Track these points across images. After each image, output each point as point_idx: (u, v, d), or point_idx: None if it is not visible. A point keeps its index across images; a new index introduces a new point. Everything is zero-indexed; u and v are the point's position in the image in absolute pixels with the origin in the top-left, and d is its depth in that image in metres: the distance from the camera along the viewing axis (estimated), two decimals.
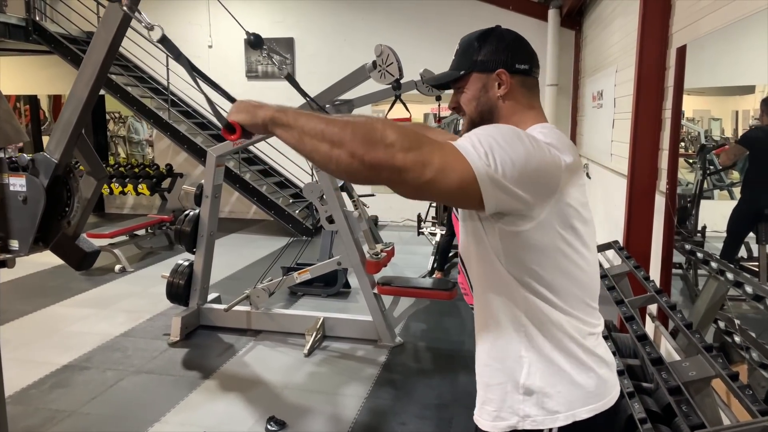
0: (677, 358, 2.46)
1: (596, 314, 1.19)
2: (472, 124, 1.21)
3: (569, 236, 1.09)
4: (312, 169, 4.24)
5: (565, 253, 1.10)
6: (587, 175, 6.53)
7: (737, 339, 2.49)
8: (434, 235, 6.47)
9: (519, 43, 1.22)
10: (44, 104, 10.98)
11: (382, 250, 4.09)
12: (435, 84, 1.29)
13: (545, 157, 1.04)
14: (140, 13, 1.56)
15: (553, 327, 1.11)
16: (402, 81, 3.55)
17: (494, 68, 1.19)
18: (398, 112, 3.72)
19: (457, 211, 1.24)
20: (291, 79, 2.99)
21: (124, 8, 1.57)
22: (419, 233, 6.73)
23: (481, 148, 0.98)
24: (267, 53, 3.27)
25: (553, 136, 1.12)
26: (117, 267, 5.80)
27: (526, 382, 1.12)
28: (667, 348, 3.06)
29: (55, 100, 11.18)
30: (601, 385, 1.15)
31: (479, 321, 1.21)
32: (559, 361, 1.12)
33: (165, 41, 1.51)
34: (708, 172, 3.40)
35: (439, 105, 5.36)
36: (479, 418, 1.20)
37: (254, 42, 3.27)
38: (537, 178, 1.02)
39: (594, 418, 1.12)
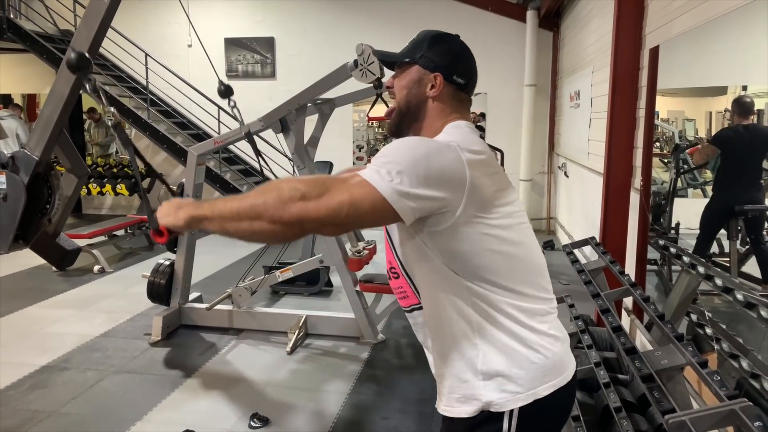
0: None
1: (545, 288, 1.24)
2: (399, 113, 1.30)
3: (493, 218, 1.14)
4: (293, 168, 4.25)
5: (494, 234, 1.14)
6: (565, 173, 6.63)
7: (708, 331, 2.57)
8: None
9: (465, 59, 1.29)
10: (19, 103, 10.77)
11: (364, 248, 4.11)
12: (382, 59, 1.35)
13: (445, 154, 1.10)
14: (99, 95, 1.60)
15: (501, 310, 1.15)
16: (383, 80, 3.58)
17: (434, 69, 1.26)
18: (379, 110, 3.75)
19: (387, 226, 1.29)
20: (250, 137, 3.80)
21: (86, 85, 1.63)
22: None
23: (383, 169, 1.05)
24: (234, 104, 3.78)
25: (457, 134, 1.19)
26: (96, 267, 5.73)
27: (483, 368, 1.16)
28: (642, 340, 3.14)
29: (30, 99, 10.98)
30: (557, 361, 1.19)
31: (432, 318, 1.24)
32: (512, 343, 1.16)
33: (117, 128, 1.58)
34: (681, 170, 3.49)
35: None
36: (446, 407, 1.23)
37: (224, 91, 3.68)
38: (442, 176, 1.08)
39: (554, 393, 1.17)
